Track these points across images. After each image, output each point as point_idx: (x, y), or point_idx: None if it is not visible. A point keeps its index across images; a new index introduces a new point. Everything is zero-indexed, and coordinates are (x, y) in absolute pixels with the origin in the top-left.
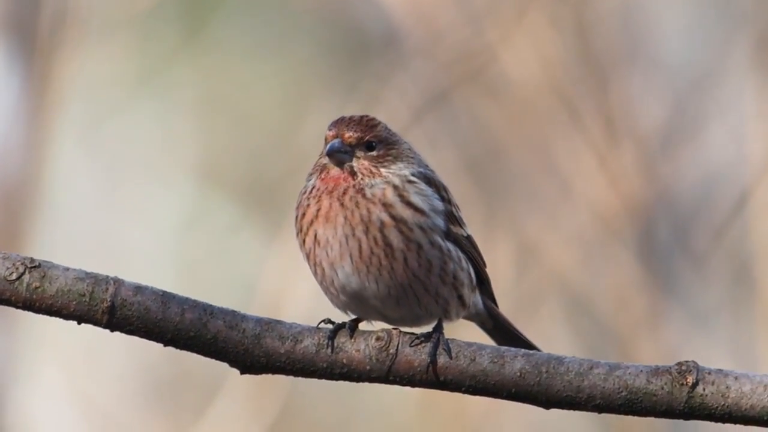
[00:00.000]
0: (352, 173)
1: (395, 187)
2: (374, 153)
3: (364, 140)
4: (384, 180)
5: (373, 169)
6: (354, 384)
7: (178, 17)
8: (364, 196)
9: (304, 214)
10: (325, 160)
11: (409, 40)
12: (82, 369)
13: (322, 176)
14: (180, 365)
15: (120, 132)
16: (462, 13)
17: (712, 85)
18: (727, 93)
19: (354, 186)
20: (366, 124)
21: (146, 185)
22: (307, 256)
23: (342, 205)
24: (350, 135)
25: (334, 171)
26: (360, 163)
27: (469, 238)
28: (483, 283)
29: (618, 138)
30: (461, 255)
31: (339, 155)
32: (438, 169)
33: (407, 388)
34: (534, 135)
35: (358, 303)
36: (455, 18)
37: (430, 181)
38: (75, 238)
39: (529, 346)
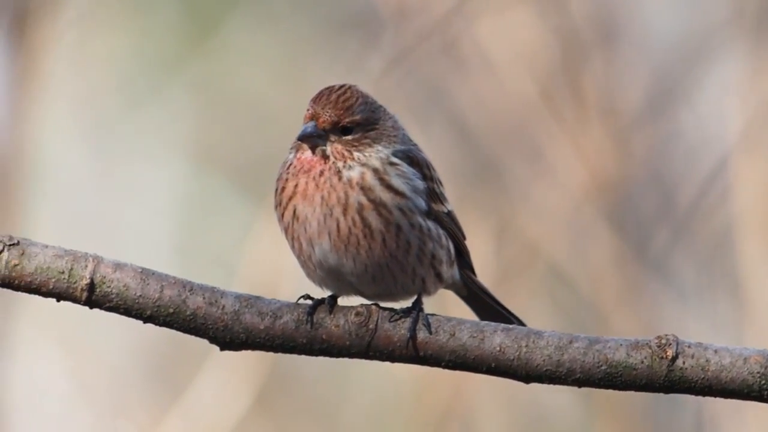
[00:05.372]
0: (324, 157)
1: (375, 170)
2: (350, 137)
3: (339, 125)
4: (359, 163)
5: (346, 153)
6: (340, 359)
7: None
8: (339, 179)
9: (283, 188)
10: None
11: (385, 12)
12: (71, 344)
13: (298, 155)
14: (169, 339)
15: (113, 111)
16: None
17: (690, 59)
18: (706, 67)
19: (329, 168)
20: (343, 105)
21: (138, 164)
22: (285, 230)
23: (317, 185)
24: (324, 119)
25: (307, 153)
26: (333, 147)
27: (449, 213)
28: (462, 255)
29: (596, 113)
30: (441, 232)
31: (311, 140)
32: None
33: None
34: (510, 110)
35: (335, 279)
36: None
37: (413, 160)
38: (65, 217)
39: (505, 311)
